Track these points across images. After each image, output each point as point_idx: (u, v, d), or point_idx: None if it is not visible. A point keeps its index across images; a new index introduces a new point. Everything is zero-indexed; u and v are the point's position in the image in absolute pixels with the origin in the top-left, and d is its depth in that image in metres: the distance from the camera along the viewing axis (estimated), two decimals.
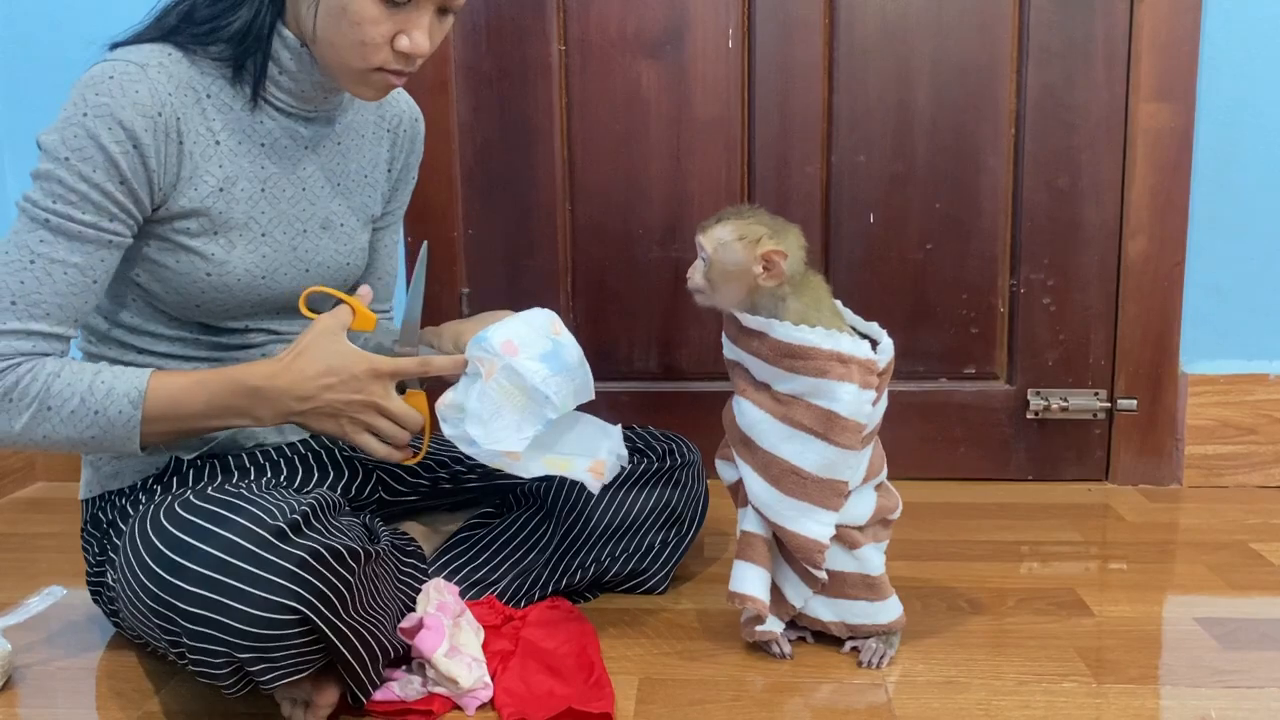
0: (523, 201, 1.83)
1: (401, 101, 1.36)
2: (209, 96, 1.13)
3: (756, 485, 1.15)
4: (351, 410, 1.10)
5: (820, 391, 1.10)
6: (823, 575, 1.14)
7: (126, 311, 1.18)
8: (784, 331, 1.10)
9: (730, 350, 1.17)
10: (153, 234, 1.13)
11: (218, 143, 1.14)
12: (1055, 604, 1.32)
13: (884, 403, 1.15)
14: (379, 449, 1.12)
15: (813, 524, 1.12)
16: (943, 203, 1.79)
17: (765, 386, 1.14)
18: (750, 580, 1.15)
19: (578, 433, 1.20)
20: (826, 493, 1.12)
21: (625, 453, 1.21)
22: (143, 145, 1.07)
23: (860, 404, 1.10)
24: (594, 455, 1.18)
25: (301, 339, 1.11)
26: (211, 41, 1.12)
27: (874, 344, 1.14)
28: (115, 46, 1.12)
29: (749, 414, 1.14)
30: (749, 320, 1.12)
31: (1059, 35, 1.73)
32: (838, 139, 1.78)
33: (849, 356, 1.09)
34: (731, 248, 1.11)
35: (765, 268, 1.10)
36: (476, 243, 1.83)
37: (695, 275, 1.14)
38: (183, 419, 1.09)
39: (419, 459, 1.18)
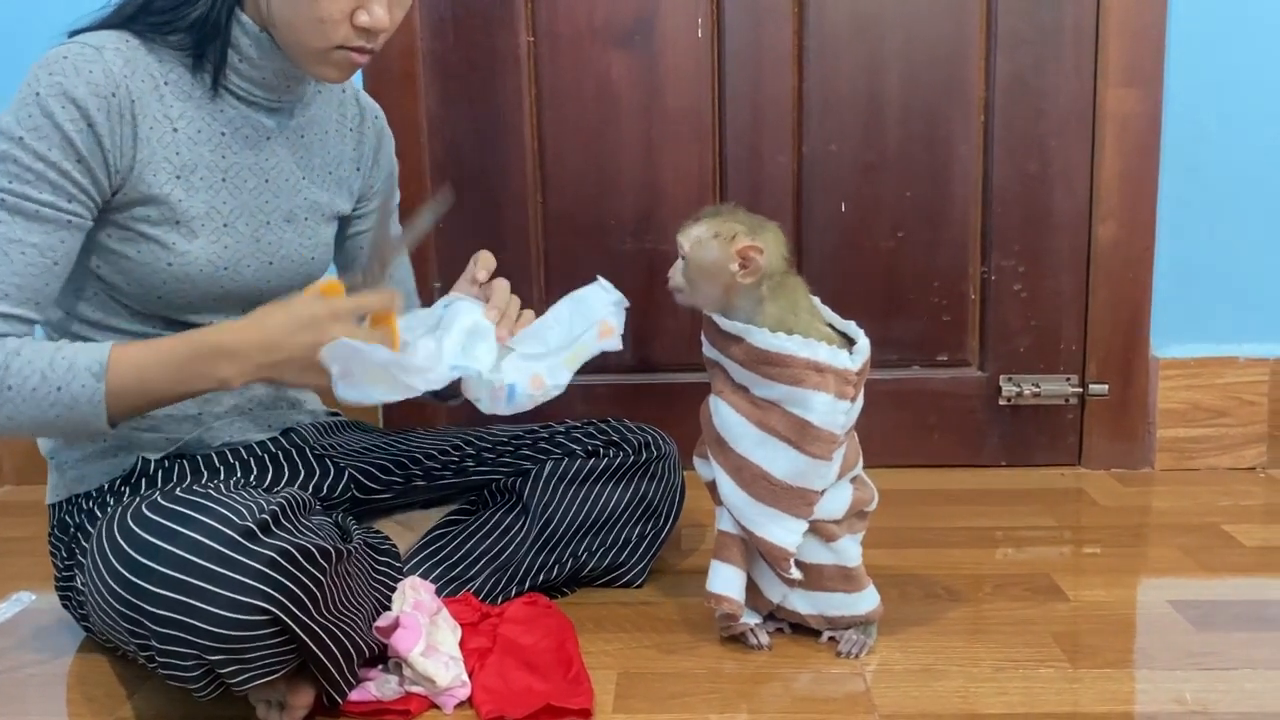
0: (494, 194, 1.82)
1: (360, 100, 1.35)
2: (167, 84, 1.12)
3: (728, 487, 1.15)
4: (316, 349, 1.03)
5: (795, 400, 1.10)
6: (796, 575, 1.14)
7: (86, 304, 1.16)
8: (761, 338, 1.10)
9: (709, 350, 1.16)
10: (112, 222, 1.11)
11: (175, 130, 1.12)
12: (1031, 589, 1.33)
13: (860, 401, 1.14)
14: None
15: (780, 530, 1.12)
16: (914, 191, 1.79)
17: (743, 389, 1.14)
18: (725, 580, 1.15)
19: (563, 316, 1.17)
20: (795, 501, 1.12)
21: (617, 294, 1.18)
22: (96, 124, 1.05)
23: (834, 414, 1.10)
24: (595, 320, 1.16)
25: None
26: (170, 31, 1.12)
27: (850, 342, 1.14)
28: (75, 34, 1.11)
29: (725, 416, 1.14)
30: (727, 324, 1.12)
31: (1028, 22, 1.73)
32: (809, 128, 1.78)
33: (825, 366, 1.09)
34: (708, 245, 1.10)
35: (742, 265, 1.09)
36: (448, 236, 1.82)
37: (675, 275, 1.14)
38: (148, 387, 1.05)
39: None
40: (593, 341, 1.15)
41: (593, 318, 1.16)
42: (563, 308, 1.18)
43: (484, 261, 1.22)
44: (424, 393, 1.10)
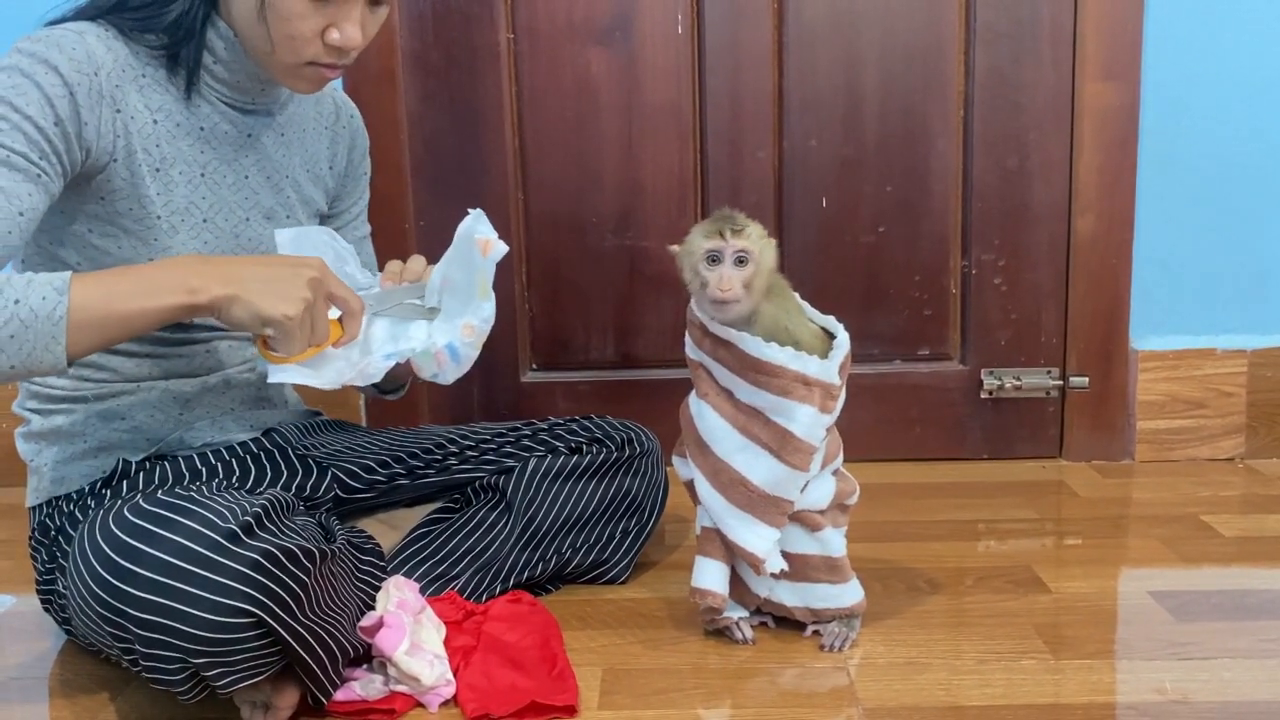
0: (474, 191, 1.81)
1: (336, 98, 1.35)
2: (145, 77, 1.12)
3: (704, 489, 1.15)
4: (299, 281, 1.03)
5: (780, 410, 1.10)
6: (776, 567, 1.14)
7: None
8: (753, 346, 1.09)
9: (694, 351, 1.16)
10: (93, 215, 1.11)
11: (155, 122, 1.12)
12: (1013, 582, 1.34)
13: (842, 396, 1.15)
14: (310, 336, 1.06)
15: (753, 536, 1.13)
16: (894, 185, 1.79)
17: (727, 392, 1.14)
18: (709, 575, 1.16)
19: (454, 258, 1.17)
20: (770, 509, 1.12)
21: (476, 211, 1.17)
22: (78, 96, 1.05)
23: (816, 427, 1.10)
24: (473, 244, 1.16)
25: None
26: (147, 30, 1.11)
27: (831, 336, 1.14)
28: (50, 25, 1.10)
29: (708, 419, 1.14)
30: (719, 329, 1.11)
31: (1005, 16, 1.74)
32: (789, 124, 1.78)
33: (813, 380, 1.09)
34: (769, 244, 1.09)
35: None
36: (428, 234, 1.81)
37: (735, 285, 1.06)
38: (112, 296, 0.98)
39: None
40: (482, 262, 1.15)
41: (471, 242, 1.16)
42: (449, 252, 1.18)
43: (409, 274, 1.21)
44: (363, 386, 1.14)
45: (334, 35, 1.09)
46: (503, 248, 1.15)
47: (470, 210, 1.18)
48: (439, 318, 1.18)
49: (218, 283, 1.00)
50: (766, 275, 1.09)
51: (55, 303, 0.96)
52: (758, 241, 1.08)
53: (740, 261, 1.07)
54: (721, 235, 1.07)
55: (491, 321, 1.17)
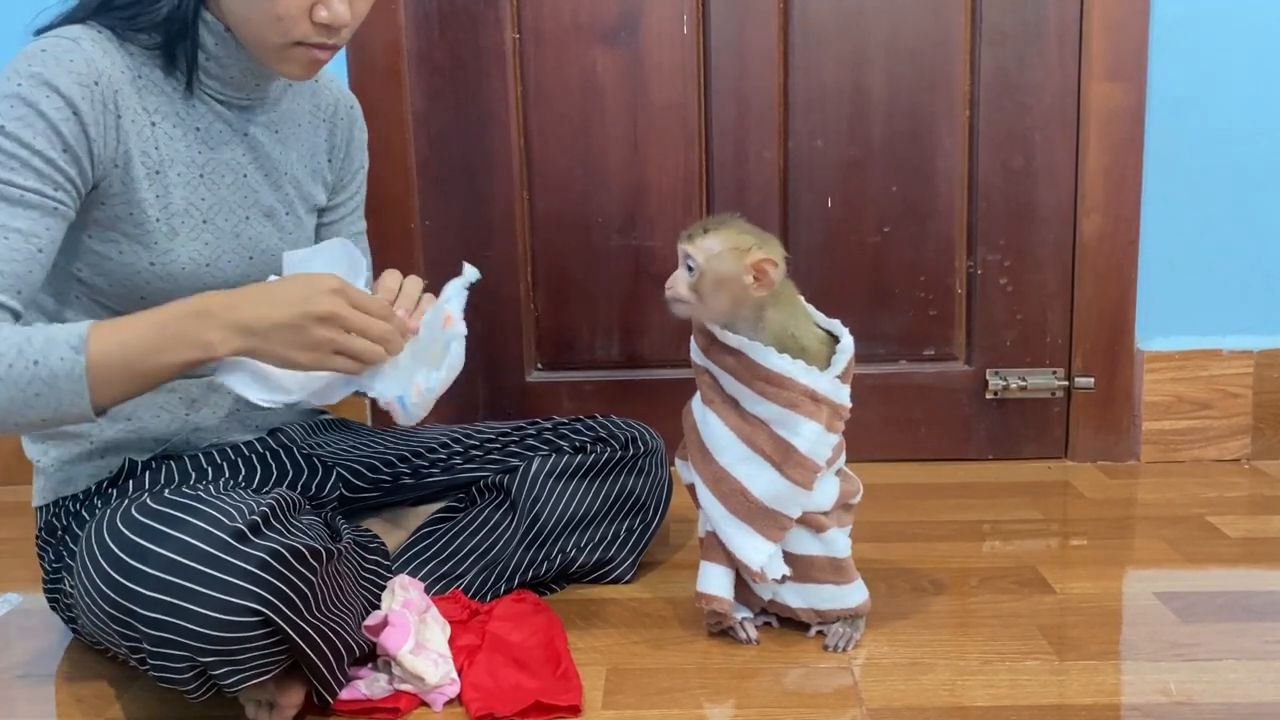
0: (480, 191, 1.81)
1: (335, 89, 1.34)
2: (141, 78, 1.12)
3: (705, 496, 1.15)
4: (312, 328, 1.02)
5: (785, 422, 1.10)
6: (778, 574, 1.14)
7: (70, 309, 1.15)
8: (763, 357, 1.09)
9: (699, 357, 1.16)
10: (93, 222, 1.11)
11: (153, 124, 1.12)
12: (1017, 582, 1.33)
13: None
14: (354, 365, 1.06)
15: (750, 549, 1.13)
16: (899, 186, 1.79)
17: (732, 400, 1.14)
18: (714, 580, 1.16)
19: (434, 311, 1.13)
20: (769, 523, 1.12)
21: (467, 276, 1.14)
22: (82, 113, 1.04)
23: (820, 444, 1.10)
24: (441, 315, 1.12)
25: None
26: (138, 28, 1.10)
27: (835, 340, 1.14)
28: (41, 31, 1.10)
29: (713, 427, 1.14)
30: (728, 337, 1.11)
31: (1011, 16, 1.74)
32: (794, 124, 1.78)
33: (822, 396, 1.09)
34: (723, 258, 1.07)
35: (756, 278, 1.08)
36: (433, 234, 1.82)
37: (678, 286, 1.09)
38: (129, 356, 1.00)
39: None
40: (441, 333, 1.11)
41: (441, 312, 1.12)
42: (431, 310, 1.14)
43: (405, 299, 1.16)
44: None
45: (321, 13, 1.07)
46: (460, 330, 1.10)
47: (466, 265, 1.14)
48: (404, 365, 1.11)
49: (236, 334, 1.02)
50: (723, 286, 1.07)
51: (73, 362, 0.98)
52: (704, 251, 1.08)
53: (689, 268, 1.09)
54: (682, 239, 1.10)
55: (436, 393, 1.10)
